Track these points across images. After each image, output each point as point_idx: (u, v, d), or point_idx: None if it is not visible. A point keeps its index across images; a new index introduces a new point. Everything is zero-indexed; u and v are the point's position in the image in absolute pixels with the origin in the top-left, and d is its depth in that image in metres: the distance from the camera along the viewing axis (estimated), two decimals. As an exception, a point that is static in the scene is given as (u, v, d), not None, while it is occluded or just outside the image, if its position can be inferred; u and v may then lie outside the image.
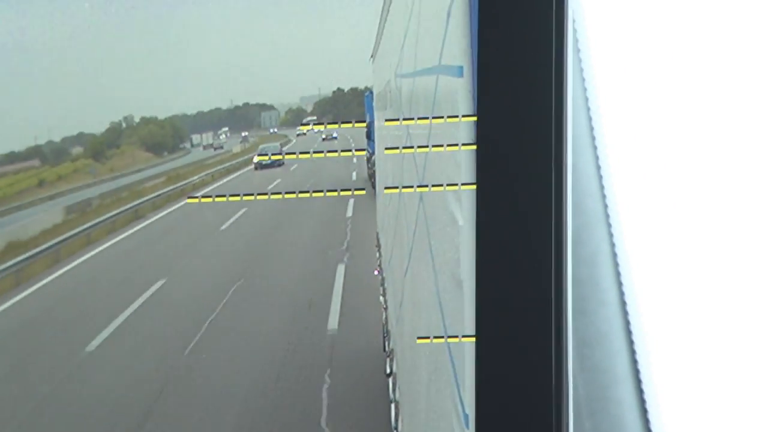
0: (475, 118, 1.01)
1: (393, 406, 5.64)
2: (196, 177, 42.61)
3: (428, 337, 2.53)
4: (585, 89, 1.00)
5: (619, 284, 0.98)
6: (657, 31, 0.99)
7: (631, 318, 0.97)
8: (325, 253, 17.16)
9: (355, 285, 13.62)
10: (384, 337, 7.71)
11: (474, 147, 1.01)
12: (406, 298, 3.88)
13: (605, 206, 0.98)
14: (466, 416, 1.51)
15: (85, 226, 24.78)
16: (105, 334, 12.68)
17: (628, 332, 0.97)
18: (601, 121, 0.99)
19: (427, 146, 2.28)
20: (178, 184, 37.79)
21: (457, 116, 1.45)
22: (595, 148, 0.99)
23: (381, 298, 7.97)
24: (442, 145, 1.74)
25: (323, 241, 18.79)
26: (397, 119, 4.35)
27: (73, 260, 21.10)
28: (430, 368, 2.44)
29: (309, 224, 21.44)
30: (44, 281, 18.61)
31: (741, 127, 0.97)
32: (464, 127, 1.40)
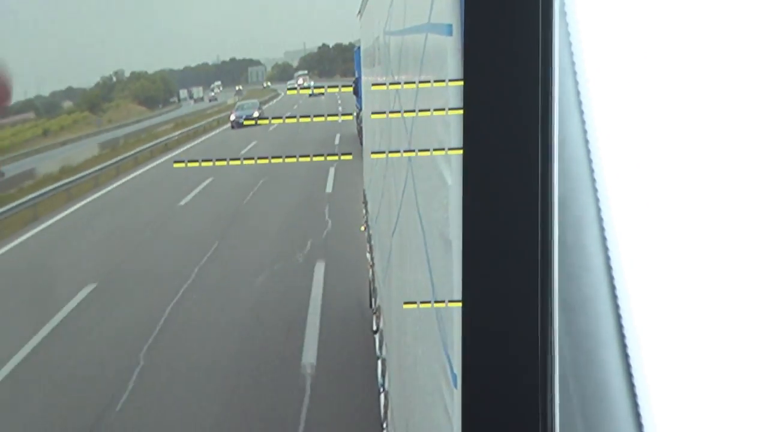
0: (461, 83, 1.01)
1: (380, 362, 5.68)
2: (202, 122, 48.20)
3: (415, 302, 2.54)
4: (572, 53, 0.99)
5: (605, 249, 0.98)
6: None
7: (616, 283, 0.97)
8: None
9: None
10: (370, 294, 7.75)
11: (461, 111, 1.01)
12: (393, 257, 3.89)
13: (591, 171, 0.98)
14: (454, 376, 1.53)
15: (132, 152, 31.58)
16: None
17: (614, 297, 0.98)
18: (587, 85, 0.98)
19: (414, 110, 2.27)
20: (189, 128, 44.60)
21: (444, 80, 1.44)
22: (582, 113, 0.98)
23: (368, 254, 8.00)
24: (428, 110, 1.73)
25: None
26: (384, 84, 4.32)
27: (119, 179, 26.07)
28: (417, 328, 2.45)
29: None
30: (112, 186, 24.58)
31: (727, 105, 0.96)
32: (452, 90, 1.39)
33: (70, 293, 11.72)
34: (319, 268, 11.63)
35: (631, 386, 0.96)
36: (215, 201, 18.90)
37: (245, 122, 40.26)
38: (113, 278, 12.65)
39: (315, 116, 1.47)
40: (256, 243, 14.06)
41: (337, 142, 27.07)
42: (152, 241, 15.46)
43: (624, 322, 0.97)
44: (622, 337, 0.97)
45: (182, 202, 18.99)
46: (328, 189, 18.46)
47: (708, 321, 0.95)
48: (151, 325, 9.84)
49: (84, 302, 11.42)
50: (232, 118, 42.04)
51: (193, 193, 19.83)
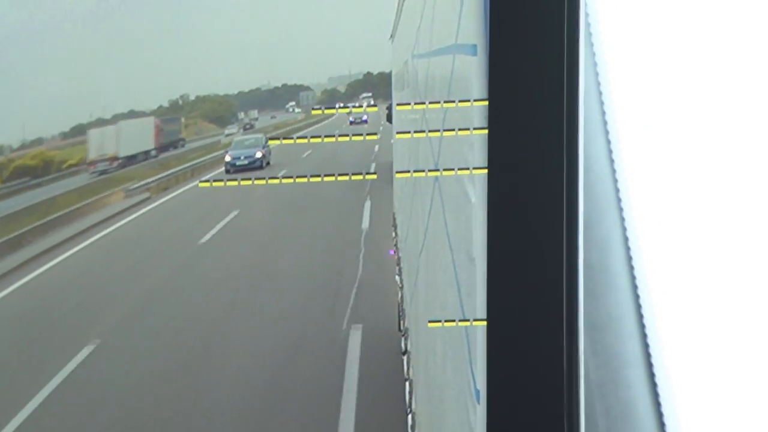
0: (486, 102, 1.01)
1: (407, 384, 5.66)
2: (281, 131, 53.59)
3: (440, 321, 2.53)
4: (597, 74, 0.99)
5: (630, 268, 0.98)
6: (671, 17, 0.99)
7: (642, 302, 0.97)
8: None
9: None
10: (399, 316, 7.74)
11: (485, 131, 1.01)
12: (420, 278, 3.89)
13: (617, 191, 0.98)
14: (477, 391, 1.52)
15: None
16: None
17: (639, 316, 0.97)
18: (613, 106, 0.99)
19: (439, 130, 2.28)
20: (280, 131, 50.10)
21: (468, 100, 1.45)
22: (607, 132, 0.99)
23: (397, 277, 7.99)
24: (453, 129, 1.74)
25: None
26: (409, 103, 4.34)
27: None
28: (445, 347, 2.45)
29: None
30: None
31: (752, 115, 0.96)
32: (477, 110, 1.40)
33: (225, 213, 20.06)
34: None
35: (658, 406, 0.96)
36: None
37: (241, 164, 31.81)
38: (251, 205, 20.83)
39: (338, 175, 1.41)
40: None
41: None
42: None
43: (650, 341, 0.97)
44: (648, 356, 0.97)
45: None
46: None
47: (736, 341, 0.95)
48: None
49: (233, 219, 19.78)
50: (227, 159, 32.81)
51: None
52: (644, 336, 0.97)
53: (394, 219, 8.53)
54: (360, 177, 1.53)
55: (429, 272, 3.24)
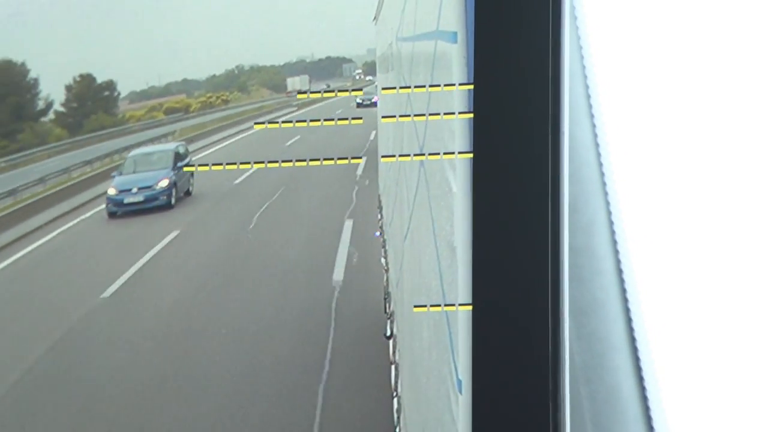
0: (471, 86, 1.01)
1: (393, 368, 5.68)
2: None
3: (425, 306, 2.54)
4: (582, 57, 0.99)
5: (615, 252, 0.98)
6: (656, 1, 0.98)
7: (627, 286, 0.97)
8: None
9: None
10: (385, 299, 7.75)
11: (470, 115, 1.01)
12: (405, 262, 3.89)
13: (602, 175, 0.98)
14: (459, 382, 1.52)
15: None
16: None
17: (624, 300, 0.97)
18: (598, 89, 0.98)
19: (424, 114, 2.27)
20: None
21: (454, 84, 1.44)
22: (592, 116, 0.98)
23: (382, 259, 8.00)
24: (438, 114, 1.74)
25: None
26: (394, 87, 4.33)
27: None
28: (429, 332, 2.45)
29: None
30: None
31: (733, 98, 0.96)
32: (460, 95, 1.39)
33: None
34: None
35: (642, 389, 0.96)
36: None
37: (133, 202, 19.46)
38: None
39: (323, 159, 1.32)
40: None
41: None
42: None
43: (635, 325, 0.97)
44: (632, 340, 0.97)
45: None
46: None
47: (719, 324, 0.95)
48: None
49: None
50: (110, 193, 20.12)
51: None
52: (629, 320, 0.97)
53: (380, 201, 8.52)
54: (360, 160, 1.48)
55: (414, 257, 3.24)
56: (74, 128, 57.07)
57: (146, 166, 20.98)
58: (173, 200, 20.04)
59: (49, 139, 51.03)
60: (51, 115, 60.11)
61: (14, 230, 20.09)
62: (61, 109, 61.42)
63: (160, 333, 10.50)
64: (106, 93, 64.62)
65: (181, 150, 22.51)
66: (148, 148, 26.40)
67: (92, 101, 62.10)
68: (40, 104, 58.30)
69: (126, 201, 19.78)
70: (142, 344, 10.11)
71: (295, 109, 51.47)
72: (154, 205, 19.62)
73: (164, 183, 19.94)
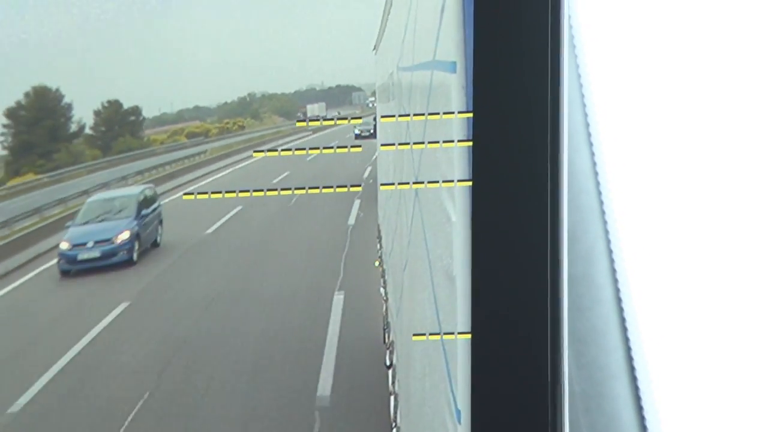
0: (470, 115, 1.01)
1: (392, 398, 5.64)
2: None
3: (423, 334, 2.53)
4: (581, 86, 0.99)
5: (615, 281, 0.98)
6: (651, 27, 0.99)
7: (626, 315, 0.97)
8: None
9: None
10: (384, 329, 7.72)
11: (469, 143, 1.01)
12: (405, 292, 3.89)
13: (601, 203, 0.98)
14: (458, 412, 1.51)
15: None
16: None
17: (624, 329, 0.97)
18: (596, 118, 0.99)
19: (423, 142, 2.28)
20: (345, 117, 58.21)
21: (453, 112, 1.45)
22: (591, 144, 0.99)
23: (381, 289, 7.98)
24: (437, 141, 1.74)
25: None
26: (394, 116, 4.35)
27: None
28: (424, 363, 2.44)
29: None
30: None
31: (735, 123, 0.97)
32: (459, 124, 1.40)
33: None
34: None
35: (642, 419, 0.95)
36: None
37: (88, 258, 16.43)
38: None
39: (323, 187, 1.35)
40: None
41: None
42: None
43: (634, 354, 0.96)
44: (632, 369, 0.96)
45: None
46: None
47: (719, 354, 0.95)
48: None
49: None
50: (62, 248, 17.11)
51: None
52: (629, 349, 0.97)
53: (379, 231, 8.52)
54: (358, 188, 1.46)
55: (412, 287, 3.23)
56: (104, 150, 61.22)
57: (105, 214, 17.90)
58: (135, 255, 16.96)
59: (86, 159, 54.88)
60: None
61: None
62: (90, 132, 66.07)
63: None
64: (132, 118, 69.10)
65: (148, 194, 19.38)
66: (110, 192, 22.70)
67: (119, 125, 66.53)
68: (73, 127, 62.50)
69: (80, 257, 16.63)
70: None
71: (311, 133, 52.63)
72: (112, 262, 16.54)
73: (125, 236, 16.92)
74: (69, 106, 60.18)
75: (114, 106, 66.70)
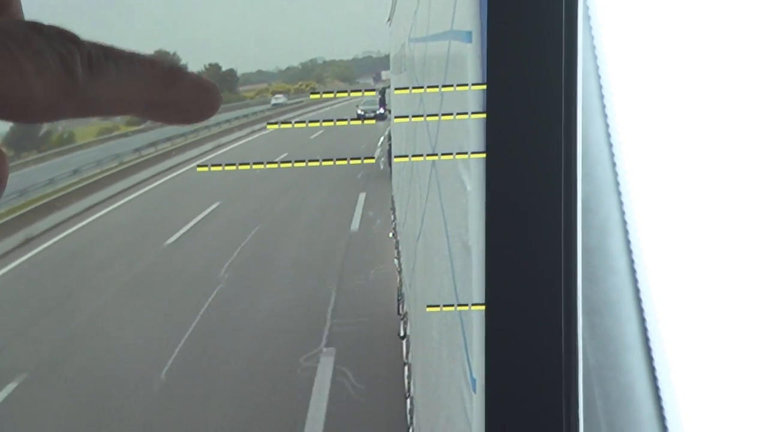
0: (484, 86, 1.01)
1: (406, 368, 5.68)
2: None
3: (438, 306, 2.54)
4: (596, 57, 0.99)
5: (629, 252, 0.98)
6: (671, 2, 0.98)
7: (640, 285, 0.97)
8: None
9: None
10: (398, 300, 7.75)
11: (483, 115, 1.01)
12: (418, 263, 3.89)
13: (615, 174, 0.98)
14: (473, 381, 1.53)
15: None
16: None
17: (638, 300, 0.97)
18: (611, 88, 0.98)
19: (437, 115, 2.28)
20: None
21: (466, 84, 1.44)
22: (605, 116, 0.98)
23: (395, 260, 8.00)
24: (452, 114, 1.74)
25: None
26: (407, 87, 4.34)
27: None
28: (441, 332, 2.45)
29: None
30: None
31: (748, 99, 0.96)
32: (474, 95, 1.39)
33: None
34: None
35: (656, 390, 0.96)
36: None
37: None
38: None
39: (337, 159, 1.34)
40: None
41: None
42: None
43: (648, 325, 0.96)
44: (646, 340, 0.97)
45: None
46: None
47: (733, 323, 0.95)
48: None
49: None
50: None
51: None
52: (643, 320, 0.97)
53: (393, 202, 8.53)
54: (372, 160, 1.38)
55: (427, 257, 3.24)
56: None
57: None
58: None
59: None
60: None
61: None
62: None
63: None
64: (229, 78, 78.04)
65: None
66: None
67: (219, 84, 78.72)
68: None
69: None
70: None
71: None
72: None
73: None
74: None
75: (214, 68, 73.92)
